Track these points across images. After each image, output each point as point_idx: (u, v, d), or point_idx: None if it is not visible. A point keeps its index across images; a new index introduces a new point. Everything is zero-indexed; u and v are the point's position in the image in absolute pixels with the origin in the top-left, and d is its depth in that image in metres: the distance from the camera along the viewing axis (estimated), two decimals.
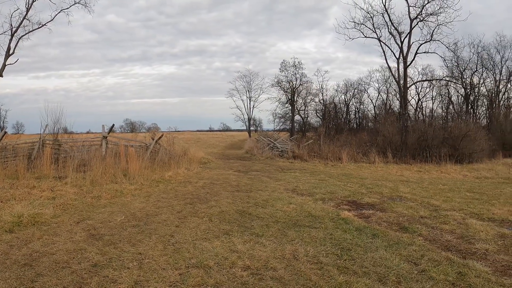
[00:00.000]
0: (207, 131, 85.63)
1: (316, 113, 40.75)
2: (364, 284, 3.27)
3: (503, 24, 55.18)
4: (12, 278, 3.34)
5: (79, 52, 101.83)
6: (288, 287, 3.24)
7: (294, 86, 40.14)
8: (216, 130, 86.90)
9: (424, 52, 22.27)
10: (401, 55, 22.19)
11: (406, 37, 21.94)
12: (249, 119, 53.10)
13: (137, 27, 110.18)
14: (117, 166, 10.28)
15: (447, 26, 20.82)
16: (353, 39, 23.28)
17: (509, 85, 30.48)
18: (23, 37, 21.64)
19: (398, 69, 22.72)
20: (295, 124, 40.73)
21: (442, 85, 32.03)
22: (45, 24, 21.98)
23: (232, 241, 4.53)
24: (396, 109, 33.22)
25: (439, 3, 22.47)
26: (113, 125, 13.53)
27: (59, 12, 22.19)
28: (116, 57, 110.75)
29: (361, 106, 41.18)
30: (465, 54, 42.10)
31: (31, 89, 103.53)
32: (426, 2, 20.91)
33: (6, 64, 21.22)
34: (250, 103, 52.15)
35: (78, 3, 22.19)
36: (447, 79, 30.31)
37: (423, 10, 21.09)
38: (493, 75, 29.90)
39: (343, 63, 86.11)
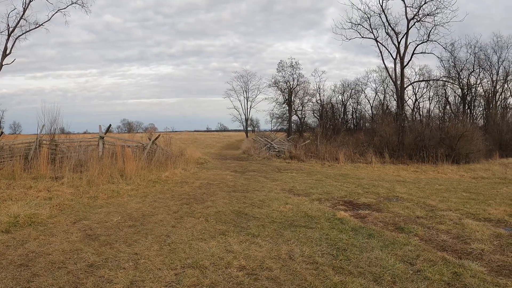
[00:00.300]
0: (205, 131, 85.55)
1: (313, 113, 40.92)
2: (359, 284, 3.28)
3: (500, 25, 55.48)
4: (8, 278, 3.34)
5: (76, 52, 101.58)
6: (283, 287, 3.25)
7: (291, 86, 40.32)
8: (214, 131, 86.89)
9: (421, 53, 22.45)
10: (398, 55, 22.30)
11: (403, 37, 22.08)
12: (247, 120, 53.35)
13: (134, 27, 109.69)
14: (114, 167, 10.26)
15: (444, 27, 21.02)
16: (350, 39, 23.43)
17: (506, 86, 30.68)
18: (20, 37, 21.70)
19: (395, 69, 22.87)
20: (292, 124, 40.85)
21: (439, 86, 32.28)
22: (42, 24, 22.03)
23: (228, 241, 4.53)
24: (393, 109, 33.45)
25: (436, 4, 22.63)
26: (110, 125, 13.61)
27: (56, 12, 22.23)
28: (113, 57, 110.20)
29: (358, 107, 41.46)
30: (462, 55, 42.20)
31: (28, 89, 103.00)
32: (423, 2, 21.07)
33: (3, 64, 21.19)
34: (247, 104, 52.43)
35: (75, 3, 22.24)
36: (444, 79, 30.51)
37: (420, 10, 21.24)
38: (490, 75, 30.05)
39: (340, 64, 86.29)
